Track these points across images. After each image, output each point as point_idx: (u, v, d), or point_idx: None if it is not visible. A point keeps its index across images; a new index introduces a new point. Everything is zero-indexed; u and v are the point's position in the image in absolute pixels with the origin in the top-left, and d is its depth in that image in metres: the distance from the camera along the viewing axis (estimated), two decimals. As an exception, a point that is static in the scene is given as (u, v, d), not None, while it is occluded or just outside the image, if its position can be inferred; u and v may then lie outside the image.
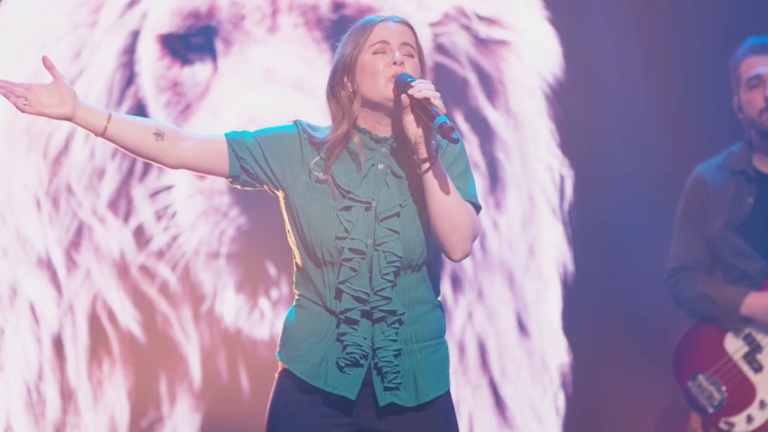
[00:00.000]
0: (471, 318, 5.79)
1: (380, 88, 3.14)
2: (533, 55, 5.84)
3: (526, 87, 5.83)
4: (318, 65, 5.65)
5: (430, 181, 3.11)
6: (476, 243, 5.72)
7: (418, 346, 3.23)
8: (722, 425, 4.75)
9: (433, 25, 5.76)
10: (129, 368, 5.63)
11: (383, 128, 3.19)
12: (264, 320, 5.67)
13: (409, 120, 3.10)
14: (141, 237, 5.63)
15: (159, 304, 5.65)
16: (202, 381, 5.67)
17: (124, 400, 5.63)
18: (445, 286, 5.73)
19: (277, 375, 3.29)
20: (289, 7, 5.68)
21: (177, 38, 5.66)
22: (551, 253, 5.85)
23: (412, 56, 3.19)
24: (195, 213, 5.64)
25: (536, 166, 5.84)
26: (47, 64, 3.15)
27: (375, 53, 3.17)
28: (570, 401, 5.84)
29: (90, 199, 5.60)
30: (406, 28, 3.22)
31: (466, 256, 3.18)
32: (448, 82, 5.66)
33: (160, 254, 5.64)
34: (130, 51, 5.63)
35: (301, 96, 5.61)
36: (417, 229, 3.19)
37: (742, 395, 4.75)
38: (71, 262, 5.60)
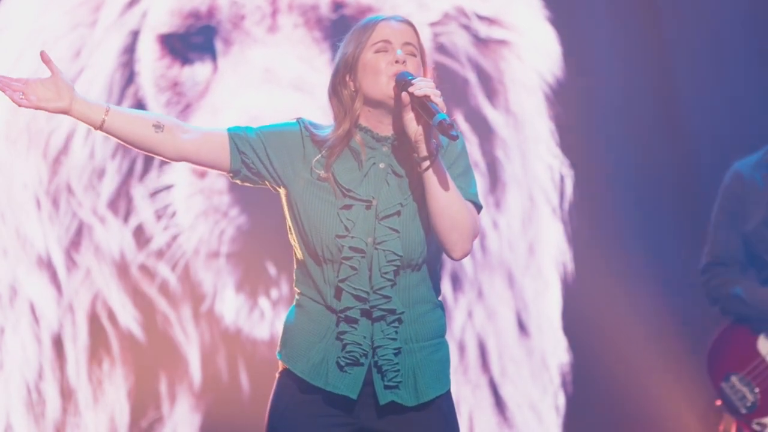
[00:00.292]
0: (471, 317, 5.79)
1: (382, 86, 3.15)
2: (533, 54, 5.84)
3: (526, 87, 5.83)
4: (318, 65, 5.65)
5: (431, 179, 3.11)
6: (476, 242, 5.72)
7: (418, 346, 3.23)
8: (755, 426, 4.75)
9: (433, 24, 5.77)
10: (129, 368, 5.63)
11: (385, 127, 3.20)
12: (264, 320, 5.67)
13: (410, 118, 3.10)
14: (141, 236, 5.63)
15: (159, 304, 5.65)
16: (202, 381, 5.67)
17: (124, 399, 5.63)
18: (445, 286, 5.73)
19: (277, 375, 3.29)
20: (289, 7, 5.69)
21: (177, 38, 5.66)
22: (551, 252, 5.86)
23: (414, 55, 3.19)
24: (195, 212, 5.64)
25: (536, 165, 5.84)
26: (45, 58, 3.16)
27: (377, 52, 3.18)
28: (570, 401, 5.84)
29: (90, 199, 5.60)
30: (409, 27, 3.22)
31: (466, 255, 3.18)
32: (448, 81, 5.66)
33: (160, 254, 5.64)
34: (130, 50, 5.63)
35: (301, 96, 5.61)
36: (417, 228, 3.19)
37: None
38: (71, 262, 5.60)
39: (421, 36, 3.24)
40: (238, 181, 3.26)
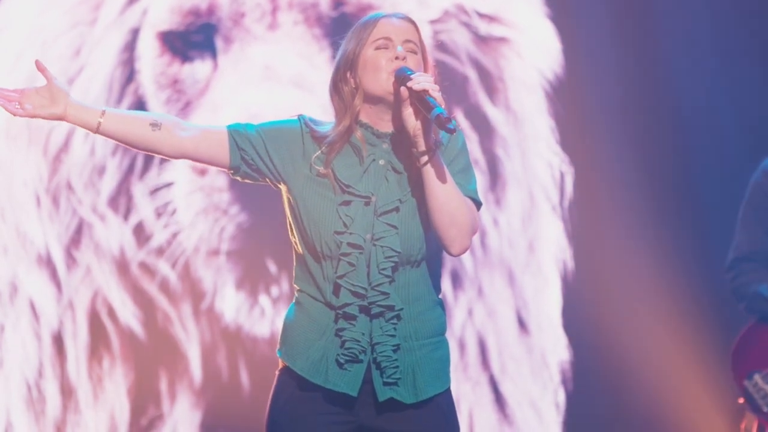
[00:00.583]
0: (471, 315, 5.79)
1: (381, 82, 3.15)
2: (533, 52, 5.84)
3: (526, 84, 5.83)
4: (318, 62, 5.65)
5: (429, 174, 3.12)
6: (476, 240, 5.73)
7: (418, 344, 3.22)
8: None
9: (433, 22, 5.76)
10: (129, 365, 5.63)
11: (385, 123, 3.20)
12: (264, 317, 5.67)
13: (408, 113, 3.11)
14: (141, 234, 5.63)
15: (159, 302, 5.65)
16: (202, 378, 5.67)
17: (125, 397, 5.63)
18: (446, 283, 5.73)
19: (277, 372, 3.29)
20: (289, 5, 5.68)
21: (177, 35, 5.66)
22: (551, 250, 5.86)
23: (414, 52, 3.19)
24: (195, 210, 5.64)
25: (536, 163, 5.84)
26: (39, 66, 3.18)
27: (377, 49, 3.18)
28: (570, 398, 5.84)
29: (90, 197, 5.60)
30: (410, 24, 3.23)
31: (464, 251, 3.18)
32: (448, 79, 5.65)
33: (160, 251, 5.64)
34: (130, 48, 5.63)
35: (301, 93, 5.61)
36: (416, 224, 3.19)
37: None
38: (71, 260, 5.60)
39: (422, 33, 3.25)
40: (238, 178, 3.27)
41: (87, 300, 5.61)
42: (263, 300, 5.66)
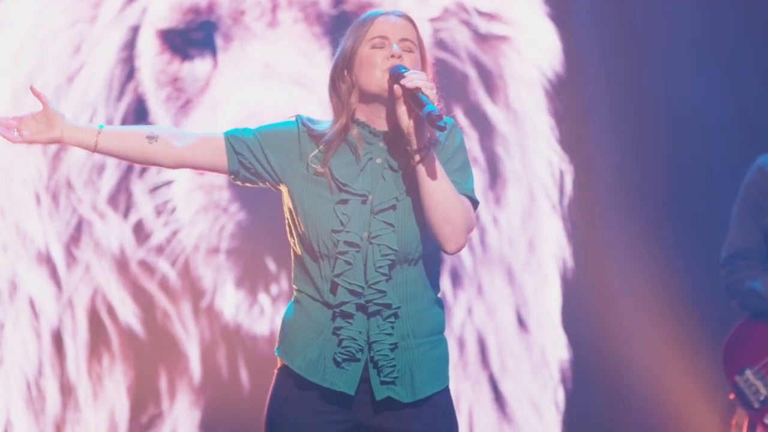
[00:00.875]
0: (471, 313, 5.79)
1: (377, 80, 3.15)
2: (533, 50, 5.84)
3: (526, 82, 5.83)
4: (318, 61, 5.65)
5: (424, 172, 3.12)
6: (476, 238, 5.73)
7: (416, 342, 3.22)
8: (767, 420, 4.75)
9: (433, 20, 5.76)
10: (129, 364, 5.63)
11: (381, 122, 3.20)
12: (264, 316, 5.67)
13: (402, 111, 3.11)
14: (141, 232, 5.63)
15: (159, 300, 5.65)
16: (201, 376, 5.67)
17: (124, 395, 5.63)
18: (445, 282, 5.73)
19: (276, 371, 3.30)
20: (288, 3, 5.68)
21: (177, 33, 5.66)
22: (551, 248, 5.86)
23: (411, 51, 3.19)
24: (195, 208, 5.64)
25: (536, 161, 5.84)
26: (35, 92, 3.22)
27: (374, 47, 3.18)
28: (569, 396, 5.84)
29: (90, 195, 5.60)
30: (407, 22, 3.23)
31: (460, 249, 3.18)
32: (448, 77, 5.66)
33: (159, 249, 5.64)
34: (130, 46, 5.63)
35: (300, 91, 5.61)
36: (413, 222, 3.19)
37: None
38: (71, 258, 5.60)
39: (420, 31, 3.24)
40: (239, 183, 3.28)
41: (87, 298, 5.61)
42: (263, 298, 5.66)
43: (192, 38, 5.67)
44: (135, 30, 5.63)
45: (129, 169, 5.62)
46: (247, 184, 3.29)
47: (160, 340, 5.65)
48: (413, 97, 3.07)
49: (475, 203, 3.23)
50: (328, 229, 3.17)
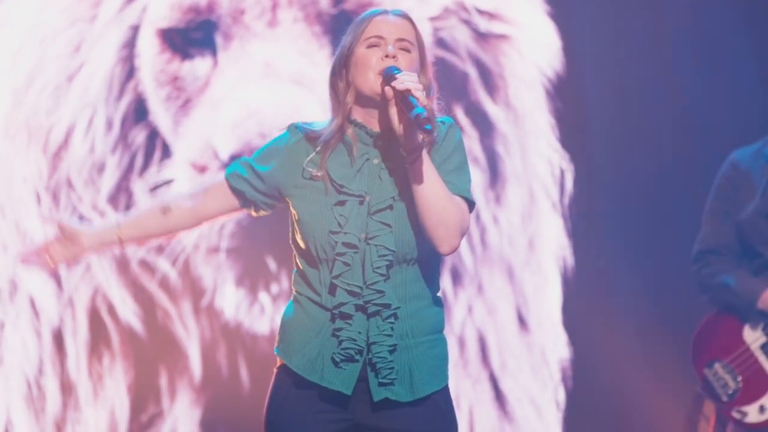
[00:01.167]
0: (471, 312, 5.79)
1: (370, 81, 3.15)
2: (533, 49, 5.84)
3: (526, 81, 5.83)
4: (318, 60, 5.65)
5: (416, 174, 3.11)
6: (476, 237, 5.73)
7: (415, 342, 3.22)
8: (735, 414, 4.75)
9: (433, 19, 5.76)
10: (129, 363, 5.64)
11: (377, 122, 3.20)
12: (264, 314, 5.67)
13: (394, 112, 3.11)
14: (141, 231, 5.63)
15: (159, 299, 5.65)
16: (202, 375, 5.67)
17: (125, 394, 5.64)
18: (445, 281, 5.73)
19: (275, 370, 3.30)
20: (288, 2, 5.68)
21: (177, 32, 5.66)
22: (551, 247, 5.86)
23: (408, 51, 3.18)
24: (195, 207, 5.64)
25: (536, 160, 5.84)
26: (44, 219, 3.34)
27: (369, 47, 3.18)
28: (570, 395, 5.84)
29: (90, 194, 5.60)
30: (405, 22, 3.21)
31: (453, 250, 3.17)
32: (448, 76, 5.66)
33: (160, 249, 5.64)
34: (129, 45, 5.63)
35: (300, 90, 5.61)
36: (410, 223, 3.18)
37: (756, 385, 4.75)
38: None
39: (419, 31, 3.23)
40: (263, 213, 3.34)
41: (87, 297, 5.61)
42: (263, 297, 5.67)
43: (192, 37, 5.66)
44: (135, 29, 5.63)
45: (129, 169, 5.62)
46: (271, 210, 3.33)
47: (160, 339, 5.65)
48: (403, 99, 3.07)
49: (470, 204, 3.22)
50: (326, 232, 3.17)
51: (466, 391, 5.78)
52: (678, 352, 5.74)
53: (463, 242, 5.71)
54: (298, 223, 3.22)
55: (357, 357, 3.17)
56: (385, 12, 3.23)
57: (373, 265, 3.15)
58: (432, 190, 3.12)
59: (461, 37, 5.77)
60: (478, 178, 5.70)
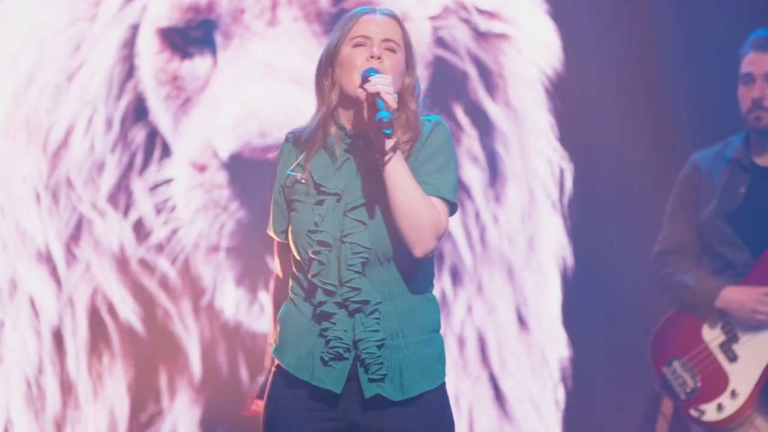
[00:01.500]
0: (470, 312, 5.79)
1: (353, 82, 3.15)
2: (533, 48, 5.84)
3: (525, 81, 5.83)
4: (317, 59, 5.64)
5: (389, 176, 3.10)
6: (476, 237, 5.72)
7: (405, 342, 3.20)
8: (693, 412, 4.75)
9: (433, 18, 5.76)
10: (129, 362, 5.64)
11: (359, 122, 3.19)
12: (264, 314, 5.67)
13: (368, 114, 3.11)
14: (141, 230, 5.63)
15: (159, 298, 5.65)
16: (202, 375, 5.67)
17: (124, 393, 5.64)
18: (445, 280, 5.73)
19: (273, 368, 3.30)
20: (288, 1, 5.68)
21: (176, 32, 5.66)
22: (551, 247, 5.85)
23: (393, 51, 3.17)
24: (195, 206, 5.64)
25: (536, 159, 5.84)
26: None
27: (355, 46, 3.17)
28: (570, 395, 5.84)
29: (89, 193, 5.60)
30: (393, 21, 3.20)
31: (428, 253, 3.14)
32: (447, 75, 5.66)
33: (159, 248, 5.64)
34: (129, 44, 5.63)
35: (300, 90, 5.61)
36: (388, 221, 3.16)
37: (714, 384, 4.75)
38: (71, 256, 5.60)
39: (406, 31, 3.22)
40: None
41: (87, 296, 5.61)
42: (263, 296, 5.67)
43: (192, 36, 5.66)
44: (135, 28, 5.63)
45: (129, 168, 5.63)
46: None
47: (160, 338, 5.65)
48: (372, 102, 3.07)
49: (451, 206, 3.20)
50: (305, 232, 3.17)
51: (465, 390, 5.78)
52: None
53: (463, 242, 5.73)
54: (290, 225, 3.23)
55: (346, 355, 3.16)
56: (373, 11, 3.21)
57: (347, 263, 3.13)
58: (404, 193, 3.10)
59: (461, 36, 5.77)
60: (477, 177, 5.70)
